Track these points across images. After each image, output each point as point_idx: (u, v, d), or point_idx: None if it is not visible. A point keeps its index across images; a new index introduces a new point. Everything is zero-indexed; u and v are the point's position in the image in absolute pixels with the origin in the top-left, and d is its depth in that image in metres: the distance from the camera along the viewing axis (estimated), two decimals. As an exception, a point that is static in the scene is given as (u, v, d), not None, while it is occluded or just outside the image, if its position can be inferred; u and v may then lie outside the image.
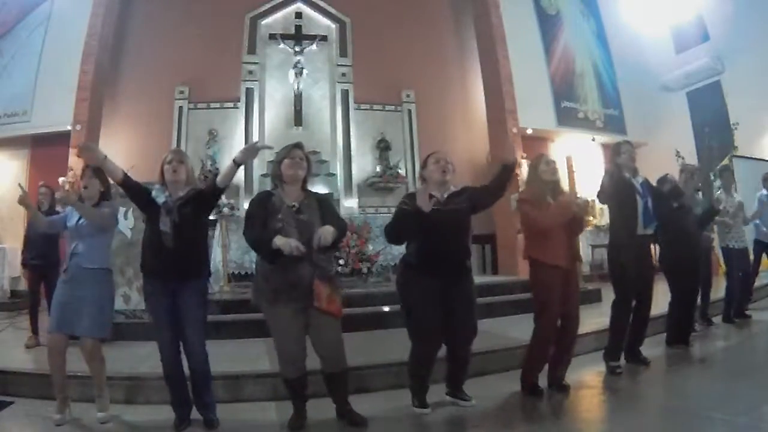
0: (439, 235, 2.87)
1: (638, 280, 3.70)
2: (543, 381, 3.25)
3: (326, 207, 2.85)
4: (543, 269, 3.19)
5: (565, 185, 3.47)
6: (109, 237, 3.17)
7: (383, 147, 9.42)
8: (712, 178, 7.90)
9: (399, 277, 3.12)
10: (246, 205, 8.89)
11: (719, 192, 5.59)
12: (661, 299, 4.46)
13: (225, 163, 8.84)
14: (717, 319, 5.21)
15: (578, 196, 3.35)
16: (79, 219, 3.03)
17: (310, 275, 2.63)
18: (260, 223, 2.70)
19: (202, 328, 2.83)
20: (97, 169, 3.03)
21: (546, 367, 3.29)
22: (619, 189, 3.73)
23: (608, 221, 4.06)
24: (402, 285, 3.04)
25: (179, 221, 2.75)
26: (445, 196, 2.99)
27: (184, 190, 2.85)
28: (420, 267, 2.92)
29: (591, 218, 9.44)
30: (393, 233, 2.97)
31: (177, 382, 2.81)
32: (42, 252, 4.63)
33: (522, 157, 8.69)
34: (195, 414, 2.86)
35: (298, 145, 2.90)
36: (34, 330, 4.54)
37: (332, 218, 2.76)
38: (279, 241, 2.56)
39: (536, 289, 3.28)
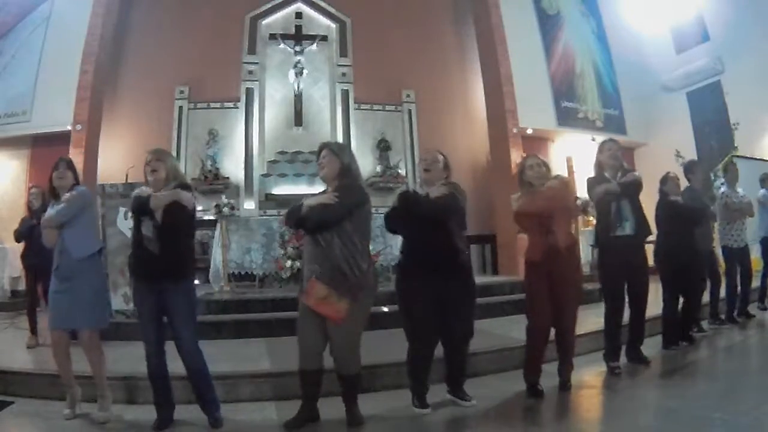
0: (421, 232, 2.94)
1: (630, 280, 3.68)
2: (544, 381, 3.24)
3: (342, 194, 2.77)
4: (527, 266, 3.30)
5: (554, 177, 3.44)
6: (88, 222, 3.13)
7: (383, 147, 9.43)
8: (713, 177, 7.90)
9: (396, 278, 3.19)
10: (246, 205, 8.92)
11: (723, 189, 5.59)
12: (660, 299, 4.47)
13: (225, 163, 8.90)
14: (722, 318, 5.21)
15: (577, 197, 3.37)
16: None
17: (311, 272, 2.68)
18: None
19: (192, 326, 2.81)
20: (70, 162, 3.15)
21: (547, 368, 3.29)
22: (594, 189, 3.71)
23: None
24: (396, 285, 3.12)
25: (161, 224, 2.77)
26: (427, 192, 3.04)
27: (166, 188, 2.84)
28: (408, 266, 3.02)
29: (590, 218, 9.44)
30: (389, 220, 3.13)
31: (159, 381, 2.81)
32: (34, 252, 4.62)
33: (522, 157, 8.69)
34: (193, 413, 2.86)
35: (322, 146, 2.95)
36: (33, 330, 4.55)
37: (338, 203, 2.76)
38: (311, 200, 2.74)
39: (525, 285, 3.37)
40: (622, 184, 3.60)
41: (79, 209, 3.01)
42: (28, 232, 4.66)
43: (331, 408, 2.84)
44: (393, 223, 3.12)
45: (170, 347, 2.82)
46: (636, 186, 3.64)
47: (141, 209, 2.79)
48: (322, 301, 2.64)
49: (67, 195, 3.01)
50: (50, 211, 3.03)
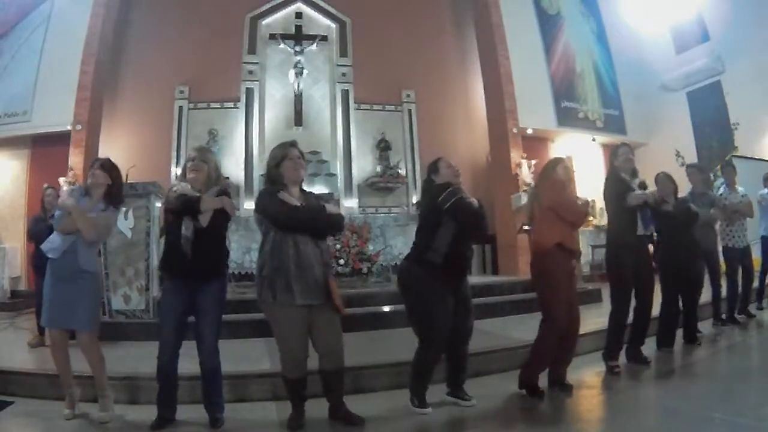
0: (467, 237, 2.97)
1: (637, 280, 3.70)
2: (543, 381, 3.24)
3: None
4: (560, 254, 3.20)
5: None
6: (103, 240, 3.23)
7: (383, 147, 9.44)
8: (713, 178, 7.90)
9: (415, 276, 2.99)
10: (246, 205, 8.93)
11: (722, 188, 5.59)
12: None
13: (225, 163, 8.88)
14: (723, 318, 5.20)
15: (577, 197, 3.46)
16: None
17: (324, 273, 2.68)
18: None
19: (218, 326, 2.84)
20: (104, 163, 3.09)
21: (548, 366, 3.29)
22: (618, 191, 3.74)
23: (607, 222, 4.09)
24: (419, 285, 2.95)
25: (204, 228, 2.76)
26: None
27: (208, 192, 2.85)
28: (445, 267, 2.90)
29: (591, 218, 9.45)
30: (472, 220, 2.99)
31: (169, 380, 2.81)
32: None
33: (522, 157, 8.71)
34: (192, 413, 2.86)
35: (293, 144, 2.88)
36: (41, 330, 4.53)
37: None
38: (332, 208, 2.77)
39: (549, 275, 3.19)
40: (656, 198, 3.78)
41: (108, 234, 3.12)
42: (46, 233, 4.64)
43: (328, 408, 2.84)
44: (474, 223, 2.98)
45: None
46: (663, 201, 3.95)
47: (187, 210, 2.76)
48: (338, 297, 2.72)
49: (105, 216, 3.04)
50: (84, 205, 3.01)
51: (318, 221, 2.72)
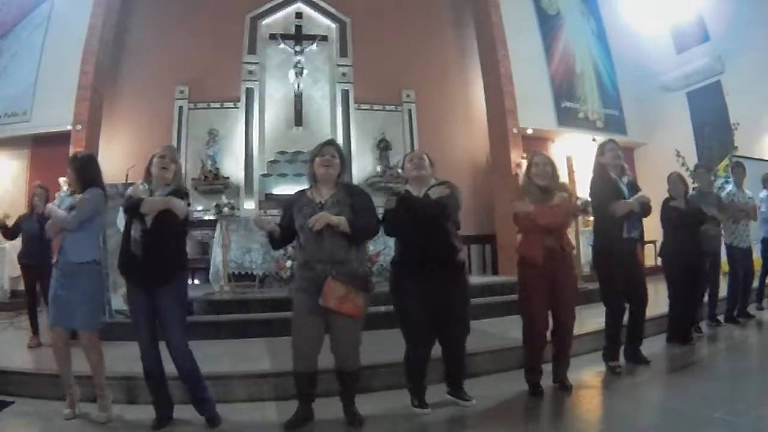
0: (418, 231, 2.91)
1: (629, 281, 3.69)
2: (545, 381, 3.24)
3: (357, 199, 2.83)
4: (523, 266, 3.28)
5: (561, 186, 3.43)
6: (93, 228, 3.06)
7: (383, 147, 9.43)
8: (713, 178, 7.89)
9: (390, 277, 3.14)
10: (246, 206, 8.93)
11: (729, 188, 5.58)
12: (661, 299, 4.48)
13: (225, 163, 8.90)
14: (720, 319, 5.20)
15: (577, 197, 3.39)
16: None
17: (325, 273, 2.65)
18: (286, 219, 2.85)
19: (182, 327, 2.82)
20: (71, 160, 3.12)
21: (548, 368, 3.29)
22: (606, 191, 3.70)
23: (593, 221, 4.05)
24: (392, 286, 3.07)
25: (150, 228, 2.75)
26: (422, 193, 3.03)
27: (161, 192, 2.85)
28: (404, 265, 2.99)
29: (590, 218, 9.44)
30: (390, 224, 3.04)
31: (156, 381, 2.82)
32: (33, 252, 4.66)
33: (522, 158, 8.70)
34: (192, 413, 2.86)
35: (330, 143, 2.95)
36: (35, 330, 4.55)
37: (361, 211, 2.78)
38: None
39: (519, 286, 3.34)
40: (642, 204, 3.65)
41: (91, 214, 3.00)
42: (28, 232, 4.70)
43: (329, 408, 2.84)
44: (394, 227, 3.01)
45: (164, 347, 2.83)
46: (650, 208, 3.77)
47: (131, 211, 2.79)
48: (343, 299, 2.65)
49: (79, 197, 3.01)
50: (59, 210, 3.02)
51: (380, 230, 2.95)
